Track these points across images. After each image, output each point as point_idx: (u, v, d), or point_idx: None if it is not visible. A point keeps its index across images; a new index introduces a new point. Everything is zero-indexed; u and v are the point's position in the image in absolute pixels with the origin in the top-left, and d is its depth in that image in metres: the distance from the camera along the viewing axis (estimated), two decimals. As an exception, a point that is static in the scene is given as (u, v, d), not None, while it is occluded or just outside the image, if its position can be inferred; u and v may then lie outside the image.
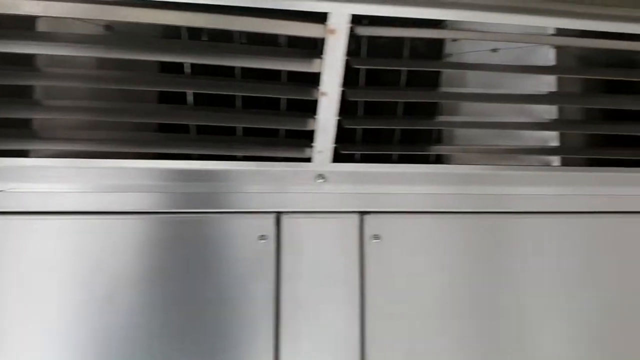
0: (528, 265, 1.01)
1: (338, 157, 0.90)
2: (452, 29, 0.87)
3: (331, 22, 0.76)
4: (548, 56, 1.02)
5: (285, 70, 0.85)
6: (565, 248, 1.02)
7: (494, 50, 0.99)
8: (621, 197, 1.05)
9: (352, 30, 0.78)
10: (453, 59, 0.98)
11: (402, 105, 0.92)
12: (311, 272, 0.93)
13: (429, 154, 0.95)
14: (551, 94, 0.99)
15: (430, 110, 0.96)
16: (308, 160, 0.90)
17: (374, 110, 0.92)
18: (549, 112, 1.03)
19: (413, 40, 0.90)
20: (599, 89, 1.05)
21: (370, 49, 0.87)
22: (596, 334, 1.02)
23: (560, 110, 1.02)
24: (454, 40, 0.97)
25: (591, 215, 1.04)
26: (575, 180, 1.02)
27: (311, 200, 0.94)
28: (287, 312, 0.92)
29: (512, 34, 0.88)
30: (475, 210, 1.00)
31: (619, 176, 1.03)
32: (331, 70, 0.81)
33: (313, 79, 0.83)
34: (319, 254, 0.93)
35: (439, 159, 0.98)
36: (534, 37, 0.90)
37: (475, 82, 1.00)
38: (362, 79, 0.88)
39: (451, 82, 1.00)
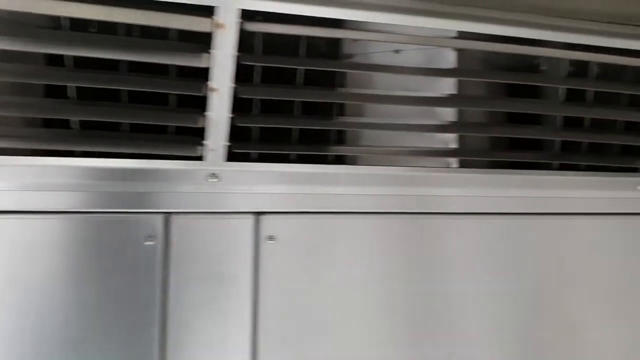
0: (432, 264, 1.02)
1: (232, 156, 0.88)
2: (353, 28, 0.86)
3: (219, 16, 0.74)
4: (450, 59, 1.02)
5: (174, 65, 0.82)
6: (463, 248, 1.04)
7: (397, 51, 0.98)
8: (524, 198, 1.08)
9: (242, 25, 0.76)
10: (357, 59, 0.97)
11: (300, 105, 0.90)
12: (201, 274, 0.90)
13: (328, 154, 0.94)
14: (451, 96, 0.99)
15: (331, 110, 0.95)
16: (199, 158, 0.87)
17: (273, 108, 0.90)
18: (452, 114, 1.04)
19: (312, 38, 0.88)
20: (501, 92, 1.07)
21: (267, 45, 0.85)
22: (514, 330, 1.05)
23: (461, 113, 1.03)
24: (356, 40, 0.96)
25: (493, 216, 1.06)
26: (475, 182, 1.04)
27: (203, 200, 0.90)
28: (175, 316, 0.89)
29: (413, 35, 0.87)
30: (375, 210, 0.99)
31: (521, 178, 1.06)
32: (221, 66, 0.78)
33: (205, 75, 0.80)
34: (211, 256, 0.90)
35: (340, 159, 0.97)
36: (435, 40, 0.90)
37: (379, 83, 1.00)
38: (257, 76, 0.86)
39: (356, 83, 0.99)
